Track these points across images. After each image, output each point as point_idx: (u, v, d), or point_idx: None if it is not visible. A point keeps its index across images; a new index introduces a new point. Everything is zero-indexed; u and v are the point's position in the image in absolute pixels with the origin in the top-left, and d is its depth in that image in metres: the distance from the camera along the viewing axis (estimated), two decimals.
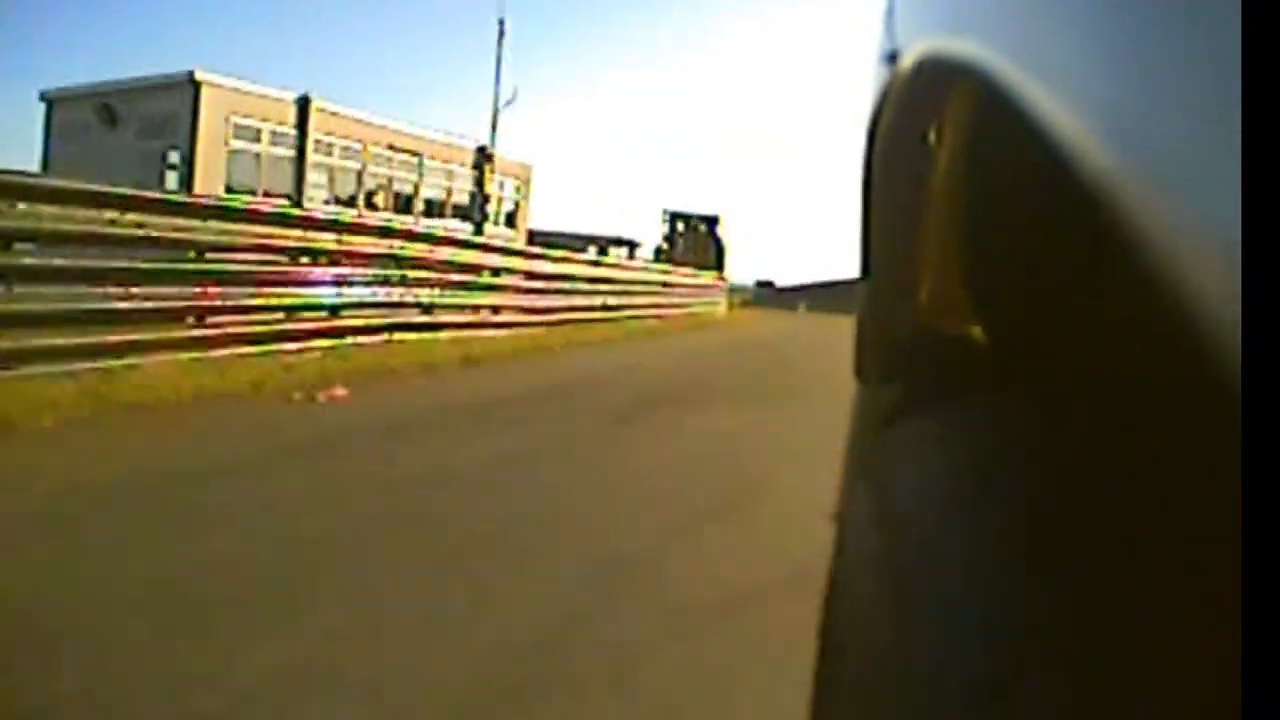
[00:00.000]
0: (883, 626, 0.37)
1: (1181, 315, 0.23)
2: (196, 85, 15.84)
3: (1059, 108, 0.28)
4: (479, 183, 21.86)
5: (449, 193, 21.33)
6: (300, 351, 7.08)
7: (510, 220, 23.44)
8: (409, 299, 8.96)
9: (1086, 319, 0.43)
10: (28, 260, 5.29)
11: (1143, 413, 0.35)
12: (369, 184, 19.29)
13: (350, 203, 18.39)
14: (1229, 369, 0.21)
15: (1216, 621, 0.24)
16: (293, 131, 17.55)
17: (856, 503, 0.52)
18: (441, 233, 10.42)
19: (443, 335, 9.18)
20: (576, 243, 22.19)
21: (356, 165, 18.91)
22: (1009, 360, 0.49)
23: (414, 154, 20.30)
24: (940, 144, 0.52)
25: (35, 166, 16.82)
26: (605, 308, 14.04)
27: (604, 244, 21.42)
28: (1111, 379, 0.39)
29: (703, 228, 28.97)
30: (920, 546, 0.39)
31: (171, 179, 15.72)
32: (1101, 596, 0.30)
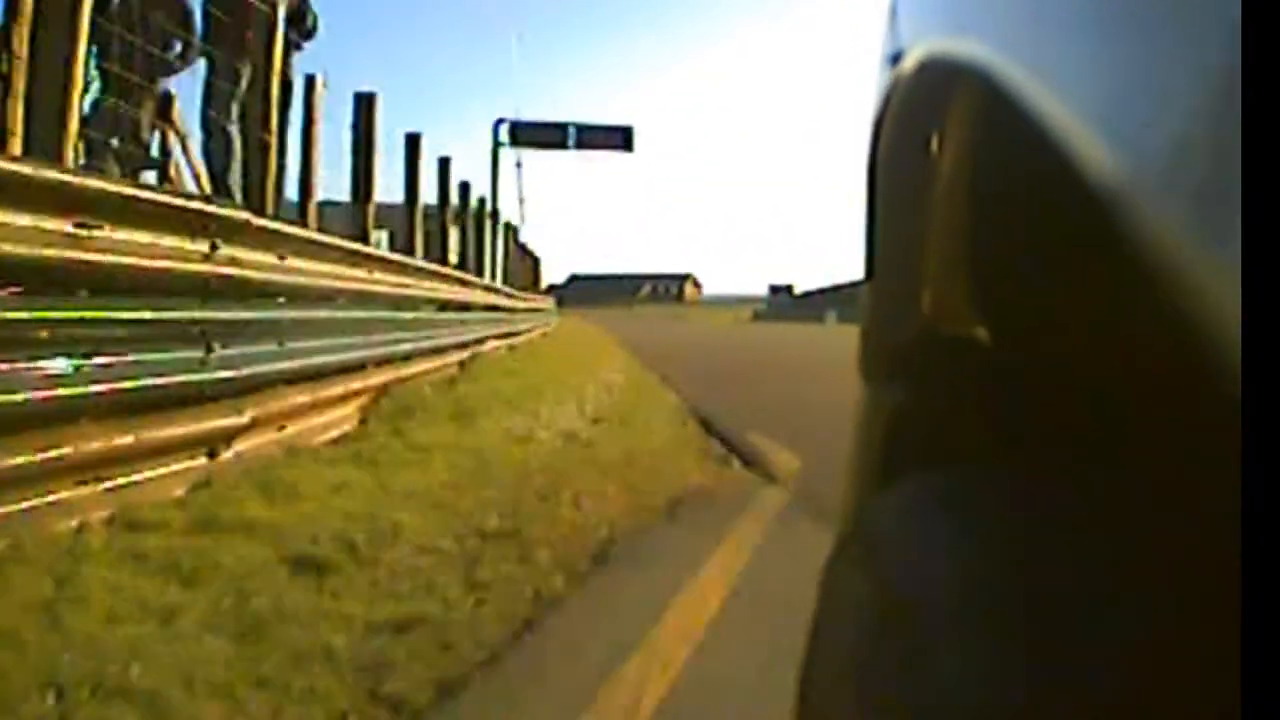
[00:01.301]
0: (882, 625, 0.37)
1: (1182, 316, 0.23)
2: None
3: (1063, 108, 0.29)
4: None
5: None
6: None
7: None
8: None
9: (1090, 320, 0.42)
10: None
11: (1145, 414, 0.35)
12: None
13: None
14: (1229, 369, 0.21)
15: (1216, 622, 0.24)
16: None
17: (860, 509, 0.52)
18: None
19: None
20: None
21: None
22: (1013, 362, 0.49)
23: None
24: (943, 145, 0.52)
25: None
26: None
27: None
28: (1115, 380, 0.39)
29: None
30: (923, 553, 0.39)
31: None
32: (1103, 599, 0.30)
